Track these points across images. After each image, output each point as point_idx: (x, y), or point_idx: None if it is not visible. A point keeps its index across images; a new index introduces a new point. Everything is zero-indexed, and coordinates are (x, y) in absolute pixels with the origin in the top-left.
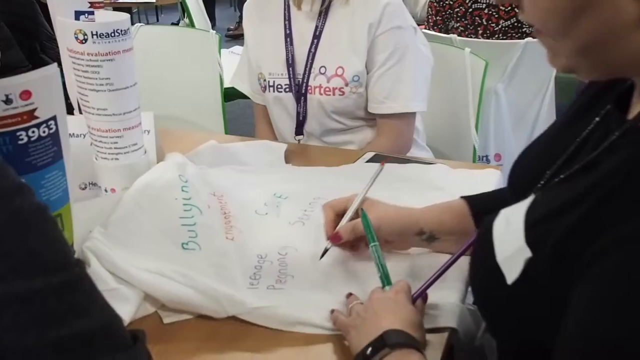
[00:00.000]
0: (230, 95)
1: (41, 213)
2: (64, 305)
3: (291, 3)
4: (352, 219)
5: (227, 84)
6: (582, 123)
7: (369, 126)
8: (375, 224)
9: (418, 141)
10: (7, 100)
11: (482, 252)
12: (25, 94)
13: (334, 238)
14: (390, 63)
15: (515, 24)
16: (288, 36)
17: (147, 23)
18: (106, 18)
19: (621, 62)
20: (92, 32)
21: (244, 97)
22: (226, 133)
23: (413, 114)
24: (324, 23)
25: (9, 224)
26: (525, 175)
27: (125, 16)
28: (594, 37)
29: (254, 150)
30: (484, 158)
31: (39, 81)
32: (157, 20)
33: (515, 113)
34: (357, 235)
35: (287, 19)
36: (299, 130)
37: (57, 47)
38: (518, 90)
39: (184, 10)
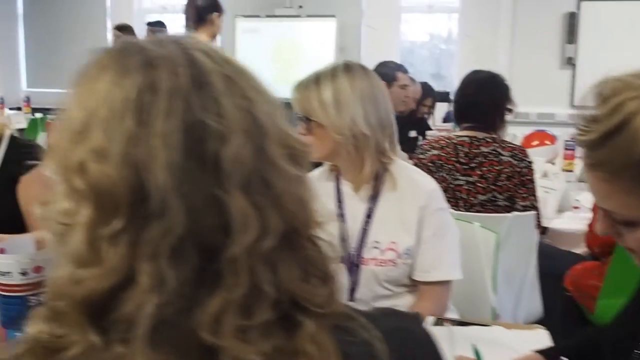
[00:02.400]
0: None
1: None
2: None
3: (345, 188)
4: None
5: None
6: None
7: (409, 292)
8: None
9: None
10: (24, 273)
11: None
12: (37, 269)
13: None
14: (436, 238)
15: (492, 198)
16: (340, 215)
17: None
18: None
19: None
20: None
21: None
22: None
23: (452, 281)
24: (375, 204)
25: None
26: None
27: None
28: None
29: None
30: None
31: (48, 260)
32: None
33: (505, 275)
34: None
35: (339, 200)
36: (351, 297)
37: None
38: (508, 256)
39: None
